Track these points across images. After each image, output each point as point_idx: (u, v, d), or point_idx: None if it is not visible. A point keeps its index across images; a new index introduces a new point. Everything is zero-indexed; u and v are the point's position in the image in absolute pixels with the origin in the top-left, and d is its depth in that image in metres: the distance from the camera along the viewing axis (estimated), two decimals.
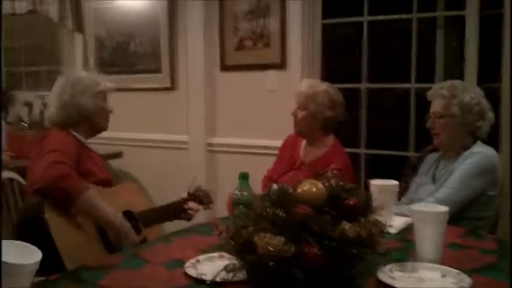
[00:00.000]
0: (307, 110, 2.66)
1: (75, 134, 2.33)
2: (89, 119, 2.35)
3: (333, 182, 1.44)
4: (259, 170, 2.78)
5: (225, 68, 3.83)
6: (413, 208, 1.62)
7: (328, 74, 3.64)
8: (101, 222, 2.08)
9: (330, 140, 2.76)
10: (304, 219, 1.30)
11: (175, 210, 2.49)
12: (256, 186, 1.72)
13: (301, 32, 3.53)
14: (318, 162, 2.63)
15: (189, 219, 2.53)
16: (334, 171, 1.50)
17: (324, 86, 2.72)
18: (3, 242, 1.18)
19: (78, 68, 4.46)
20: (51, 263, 1.76)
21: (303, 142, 2.80)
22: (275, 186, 1.44)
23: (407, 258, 1.60)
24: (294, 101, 2.77)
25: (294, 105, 2.75)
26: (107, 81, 2.43)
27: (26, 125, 4.59)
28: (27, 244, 1.22)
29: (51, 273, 1.60)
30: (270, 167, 2.88)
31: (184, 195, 2.56)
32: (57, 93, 2.34)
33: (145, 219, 2.24)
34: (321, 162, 2.62)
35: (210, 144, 3.92)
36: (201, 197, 2.62)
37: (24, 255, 1.17)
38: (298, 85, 2.79)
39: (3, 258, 1.12)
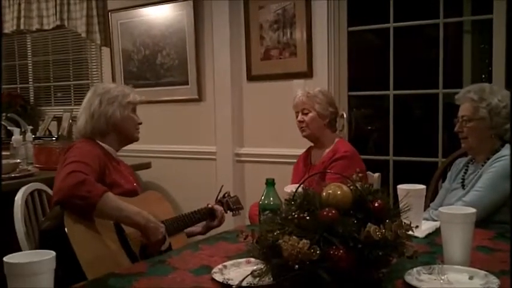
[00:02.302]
0: (313, 112, 2.77)
1: (103, 145, 2.34)
2: (118, 128, 2.36)
3: (358, 185, 1.44)
4: (286, 178, 2.78)
5: (251, 78, 3.86)
6: (441, 210, 1.60)
7: (355, 81, 3.63)
8: (124, 222, 2.07)
9: (336, 137, 2.86)
10: (329, 222, 1.29)
11: (201, 218, 2.50)
12: (282, 195, 1.72)
13: (327, 40, 3.54)
14: (324, 159, 2.74)
15: (217, 225, 2.54)
16: (357, 170, 1.49)
17: (316, 88, 2.85)
18: (20, 253, 1.22)
19: (106, 81, 4.54)
20: (73, 276, 1.78)
21: (313, 151, 2.89)
22: (300, 189, 1.44)
23: (434, 261, 1.57)
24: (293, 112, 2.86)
25: (296, 115, 2.85)
26: (136, 93, 2.44)
27: (54, 138, 4.68)
28: (42, 250, 1.24)
29: (74, 282, 1.61)
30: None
31: (211, 204, 2.57)
32: (86, 105, 2.37)
33: (170, 228, 2.24)
34: (327, 157, 2.74)
35: (237, 155, 3.94)
36: (230, 203, 2.63)
37: (40, 259, 1.19)
38: (293, 98, 2.87)
39: (17, 260, 1.14)
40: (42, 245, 1.97)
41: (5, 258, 1.16)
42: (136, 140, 2.47)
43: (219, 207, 2.56)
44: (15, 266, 1.14)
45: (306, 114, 2.78)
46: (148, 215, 2.09)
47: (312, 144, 2.91)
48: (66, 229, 1.89)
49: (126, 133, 2.40)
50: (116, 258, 2.01)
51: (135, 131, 2.44)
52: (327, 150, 2.78)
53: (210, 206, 2.54)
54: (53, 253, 1.20)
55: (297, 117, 2.83)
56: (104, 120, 2.33)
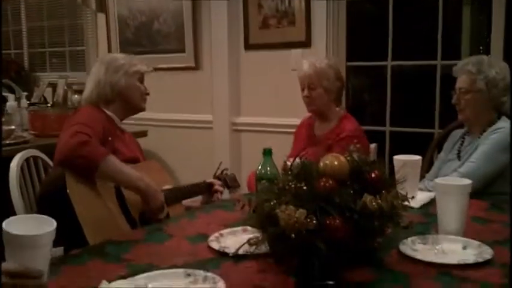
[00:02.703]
0: (320, 88, 2.71)
1: (107, 112, 2.33)
2: (123, 97, 2.35)
3: (355, 155, 1.44)
4: (284, 148, 2.77)
5: (249, 46, 3.83)
6: (436, 181, 1.61)
7: (353, 52, 3.61)
8: (125, 185, 2.08)
9: (340, 111, 2.82)
10: (326, 192, 1.30)
11: (199, 191, 2.51)
12: (281, 164, 1.72)
13: (326, 9, 3.50)
14: (329, 134, 2.71)
15: (218, 200, 2.55)
16: (346, 140, 1.49)
17: (323, 60, 2.77)
18: (18, 217, 1.21)
19: (104, 47, 4.49)
20: (73, 237, 1.79)
21: (317, 122, 2.85)
22: (297, 160, 1.45)
23: (429, 231, 1.60)
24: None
25: (301, 89, 2.77)
26: (144, 64, 2.43)
27: (50, 105, 4.65)
28: (42, 216, 1.23)
29: (74, 247, 1.63)
30: (289, 152, 2.88)
31: (209, 180, 2.57)
32: (92, 72, 2.37)
33: (168, 198, 2.26)
34: (332, 133, 2.71)
35: (234, 124, 3.93)
36: (227, 180, 2.64)
37: (40, 226, 1.17)
38: (299, 68, 2.80)
39: (17, 231, 1.13)
40: (41, 210, 1.98)
41: (4, 225, 1.15)
42: (142, 110, 2.45)
43: (217, 182, 2.56)
44: (15, 237, 1.13)
45: (313, 89, 2.71)
46: (150, 181, 2.10)
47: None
48: (68, 190, 1.90)
49: (131, 102, 2.38)
50: (116, 222, 2.02)
51: (141, 100, 2.42)
52: (332, 125, 2.75)
53: (208, 181, 2.55)
54: (53, 223, 1.19)
55: (302, 89, 2.75)
56: (109, 88, 2.32)
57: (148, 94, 2.45)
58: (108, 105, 2.35)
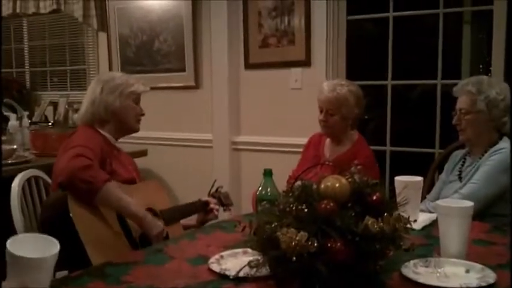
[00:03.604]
0: (338, 115, 2.65)
1: (103, 133, 2.34)
2: (117, 117, 2.35)
3: (356, 177, 1.44)
4: (283, 168, 2.77)
5: (249, 66, 3.84)
6: (438, 203, 1.61)
7: (353, 71, 3.62)
8: (124, 213, 2.08)
9: (354, 135, 2.75)
10: (327, 215, 1.30)
11: (196, 209, 2.51)
12: (281, 184, 1.72)
13: (325, 29, 3.52)
14: (342, 158, 2.62)
15: (214, 218, 2.54)
16: (358, 167, 1.49)
17: (345, 85, 2.68)
18: (21, 236, 1.20)
19: (106, 66, 4.51)
20: (76, 258, 1.79)
21: (327, 140, 2.80)
22: (298, 182, 1.44)
23: (431, 254, 1.58)
24: (317, 105, 2.72)
25: (319, 110, 2.70)
26: (140, 83, 2.42)
27: (51, 124, 4.65)
28: (45, 236, 1.22)
29: (77, 268, 1.62)
30: (294, 167, 2.87)
31: (205, 198, 2.57)
32: (89, 91, 2.37)
33: (166, 217, 2.25)
34: (345, 158, 2.62)
35: (234, 143, 3.93)
36: (222, 198, 2.63)
37: (43, 247, 1.17)
38: (320, 90, 2.73)
39: (20, 253, 1.12)
40: (44, 232, 1.97)
41: (8, 245, 1.13)
42: (136, 131, 2.45)
43: (212, 200, 2.56)
44: (20, 259, 1.11)
45: (331, 115, 2.64)
46: (146, 213, 2.11)
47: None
48: (70, 212, 1.91)
49: (125, 123, 2.38)
50: (118, 243, 2.03)
51: (136, 121, 2.42)
52: (345, 148, 2.70)
53: (203, 199, 2.55)
54: (57, 244, 1.18)
55: (320, 111, 2.69)
56: (103, 108, 2.32)
57: (143, 115, 2.45)
58: (103, 126, 2.35)
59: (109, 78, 2.39)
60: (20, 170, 2.44)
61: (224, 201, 2.63)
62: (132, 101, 2.38)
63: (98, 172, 2.01)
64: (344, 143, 2.72)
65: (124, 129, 2.41)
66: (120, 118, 2.36)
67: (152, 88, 4.04)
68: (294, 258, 1.24)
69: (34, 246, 1.16)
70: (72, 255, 1.80)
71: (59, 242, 1.19)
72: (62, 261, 1.67)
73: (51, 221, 1.98)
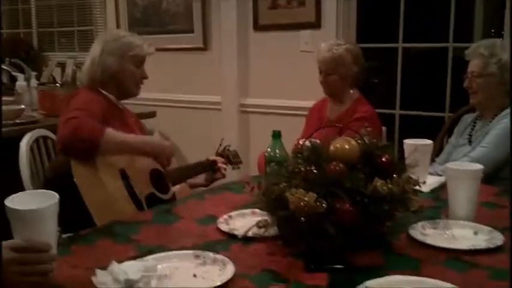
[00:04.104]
0: (337, 74, 2.71)
1: (105, 93, 2.29)
2: (114, 80, 2.28)
3: (366, 139, 1.43)
4: (292, 130, 2.76)
5: (258, 27, 3.79)
6: (447, 166, 1.60)
7: (364, 33, 3.57)
8: (131, 150, 2.07)
9: (355, 94, 2.80)
10: (337, 176, 1.30)
11: (203, 169, 2.51)
12: (289, 147, 1.72)
13: None
14: (343, 116, 2.70)
15: (222, 177, 2.55)
16: (365, 124, 1.48)
17: (342, 45, 2.73)
18: (19, 194, 1.21)
19: (114, 26, 4.46)
20: (82, 222, 1.80)
21: (329, 103, 2.84)
22: (307, 143, 1.44)
23: (439, 216, 1.58)
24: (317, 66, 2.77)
25: (318, 70, 2.77)
26: (146, 45, 2.34)
27: (59, 84, 4.65)
28: (44, 191, 1.23)
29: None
30: (300, 134, 2.87)
31: (213, 157, 2.57)
32: (91, 50, 2.32)
33: (173, 177, 2.25)
34: (345, 115, 2.71)
35: (243, 105, 3.92)
36: (230, 157, 2.63)
37: (43, 201, 1.18)
38: (318, 50, 2.79)
39: (20, 207, 1.14)
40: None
41: (6, 201, 1.15)
42: (134, 95, 2.38)
43: (219, 159, 2.56)
44: (17, 212, 1.14)
45: (329, 74, 2.72)
46: (153, 140, 2.12)
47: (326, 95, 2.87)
48: (73, 175, 1.89)
49: (123, 87, 2.31)
50: (123, 205, 2.02)
51: (135, 85, 2.35)
52: (346, 107, 2.75)
53: (211, 158, 2.54)
54: (56, 197, 1.20)
55: (320, 72, 2.76)
56: (100, 70, 2.26)
57: (145, 78, 2.38)
58: (104, 87, 2.29)
59: (111, 38, 2.31)
60: (28, 130, 2.44)
61: (233, 159, 2.64)
62: (133, 64, 2.30)
63: (92, 126, 1.96)
64: (345, 103, 2.77)
65: (123, 93, 2.34)
66: (118, 82, 2.29)
67: (160, 50, 4.03)
68: (303, 218, 1.24)
69: (34, 202, 1.18)
70: (78, 219, 1.82)
71: (64, 206, 1.20)
72: (68, 224, 1.69)
73: (56, 185, 1.97)
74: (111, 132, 2.00)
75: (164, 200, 2.12)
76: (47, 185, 2.07)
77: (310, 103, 3.03)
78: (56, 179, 2.00)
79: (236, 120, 3.92)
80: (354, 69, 2.73)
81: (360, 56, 2.77)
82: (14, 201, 1.16)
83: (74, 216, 1.78)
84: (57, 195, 1.20)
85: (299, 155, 1.42)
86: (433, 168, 2.34)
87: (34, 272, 1.13)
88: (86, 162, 1.96)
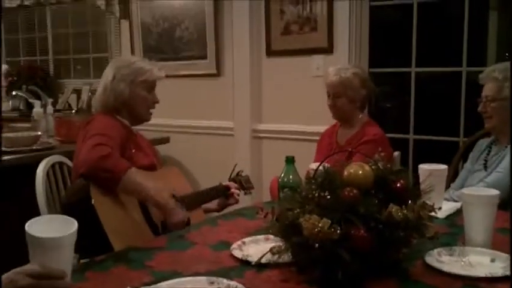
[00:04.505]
0: (345, 97, 2.73)
1: (120, 118, 2.32)
2: (126, 106, 2.31)
3: (380, 164, 1.43)
4: (305, 156, 2.74)
5: (270, 53, 3.82)
6: (463, 191, 1.59)
7: (376, 58, 3.58)
8: (145, 200, 2.08)
9: (364, 118, 2.83)
10: (351, 202, 1.29)
11: (217, 195, 2.51)
12: (302, 172, 1.71)
13: (348, 15, 3.48)
14: (352, 140, 2.72)
15: (235, 203, 2.54)
16: (382, 153, 1.48)
17: (349, 69, 2.76)
18: (39, 218, 1.21)
19: (125, 54, 4.53)
20: (99, 245, 1.81)
21: (340, 129, 2.86)
22: (319, 167, 1.43)
23: (456, 242, 1.57)
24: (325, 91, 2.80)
25: (327, 94, 2.80)
26: (156, 69, 2.37)
27: (74, 111, 4.71)
28: (64, 216, 1.23)
29: (100, 255, 1.64)
30: (312, 160, 2.87)
31: (226, 183, 2.57)
32: (103, 76, 2.34)
33: (188, 203, 2.26)
34: (354, 138, 2.72)
35: (255, 130, 3.93)
36: (242, 182, 2.63)
37: (62, 227, 1.18)
38: (325, 75, 2.83)
39: (39, 233, 1.14)
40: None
41: (26, 226, 1.15)
42: (146, 120, 2.40)
43: (233, 184, 2.56)
44: (37, 239, 1.14)
45: (337, 97, 2.74)
46: (168, 198, 2.09)
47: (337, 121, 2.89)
48: (92, 200, 1.92)
49: (135, 112, 2.34)
50: (140, 230, 2.05)
51: (146, 111, 2.37)
52: (355, 131, 2.76)
53: (224, 184, 2.54)
54: (75, 224, 1.20)
55: (328, 96, 2.79)
56: (112, 97, 2.29)
57: (157, 102, 2.40)
58: (118, 113, 2.32)
59: (122, 65, 2.33)
60: (45, 156, 2.46)
61: (245, 185, 2.64)
62: (144, 89, 2.33)
63: (119, 160, 2.01)
64: (354, 126, 2.79)
65: (135, 118, 2.37)
66: (130, 107, 2.32)
67: (174, 76, 4.12)
68: (317, 245, 1.24)
69: (53, 227, 1.18)
70: (94, 243, 1.83)
71: (82, 230, 1.20)
72: (85, 249, 1.70)
73: (74, 209, 1.99)
74: (133, 173, 2.02)
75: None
76: (66, 208, 2.09)
77: (322, 128, 3.04)
78: (75, 203, 2.01)
79: (248, 145, 3.93)
80: (362, 93, 2.74)
81: (368, 80, 2.79)
82: (33, 226, 1.16)
83: (91, 240, 1.80)
84: (76, 223, 1.20)
85: (313, 181, 1.42)
86: (449, 193, 2.32)
87: None
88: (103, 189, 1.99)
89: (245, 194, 2.69)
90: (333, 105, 2.77)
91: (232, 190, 2.53)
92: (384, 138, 2.73)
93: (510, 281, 1.12)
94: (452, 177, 2.57)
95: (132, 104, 2.31)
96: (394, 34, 4.18)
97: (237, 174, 2.65)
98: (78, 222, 1.21)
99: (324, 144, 2.89)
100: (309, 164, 2.71)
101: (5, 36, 5.85)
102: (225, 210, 2.51)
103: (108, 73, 2.33)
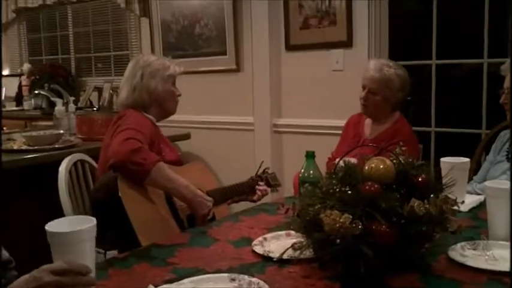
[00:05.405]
0: (380, 95, 2.62)
1: (147, 115, 2.37)
2: (159, 102, 2.38)
3: (401, 158, 1.41)
4: (325, 150, 2.75)
5: (290, 47, 3.81)
6: (486, 184, 1.57)
7: (396, 50, 3.55)
8: (173, 193, 2.12)
9: (395, 115, 2.71)
10: (372, 197, 1.28)
11: (243, 191, 2.51)
12: (323, 167, 1.71)
13: (367, 8, 3.45)
14: (382, 137, 2.62)
15: (256, 200, 2.54)
16: (400, 144, 1.46)
17: (393, 67, 2.64)
18: (60, 219, 1.24)
19: (148, 52, 4.56)
20: (126, 237, 1.84)
21: (367, 120, 2.76)
22: (341, 163, 1.43)
23: (479, 236, 1.55)
24: (360, 82, 2.69)
25: (362, 87, 2.67)
26: (176, 65, 2.44)
27: (96, 109, 4.75)
28: (83, 216, 1.26)
29: (126, 247, 1.66)
30: (334, 149, 2.85)
31: (253, 176, 2.57)
32: (128, 77, 2.39)
33: (213, 198, 2.27)
34: (385, 136, 2.61)
35: (275, 125, 3.93)
36: (269, 179, 2.63)
37: (81, 225, 1.21)
38: (366, 67, 2.71)
39: (57, 230, 1.17)
40: (94, 215, 2.03)
41: (47, 226, 1.19)
42: (173, 113, 2.48)
43: (260, 182, 2.55)
44: (55, 235, 1.17)
45: (372, 93, 2.61)
46: (196, 190, 2.13)
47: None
48: (120, 193, 1.95)
49: (166, 106, 2.41)
50: (166, 224, 2.08)
51: (175, 104, 2.45)
52: (385, 127, 2.67)
53: (251, 179, 2.54)
54: (93, 221, 1.22)
55: (363, 88, 2.66)
56: (146, 94, 2.34)
57: (180, 95, 2.47)
58: (146, 110, 2.37)
59: (147, 63, 2.40)
60: (67, 154, 2.49)
61: (272, 182, 2.64)
62: (172, 84, 2.41)
63: (149, 154, 2.04)
64: (384, 122, 2.69)
65: (164, 113, 2.44)
66: (162, 102, 2.39)
67: (194, 72, 4.14)
68: (338, 240, 1.23)
69: (73, 226, 1.21)
70: (122, 235, 1.86)
71: (110, 222, 1.22)
72: (112, 240, 1.73)
73: (102, 201, 2.03)
74: (162, 166, 2.06)
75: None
76: (95, 202, 2.12)
77: (342, 122, 3.01)
78: (103, 196, 2.05)
79: (269, 140, 3.92)
80: (399, 95, 2.63)
81: (408, 84, 2.66)
82: (53, 226, 1.20)
83: (119, 233, 1.85)
84: (94, 219, 1.22)
85: (333, 176, 1.41)
86: (471, 186, 2.29)
87: None
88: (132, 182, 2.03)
89: (272, 191, 2.69)
90: (366, 99, 2.64)
91: (259, 187, 2.52)
92: (415, 139, 2.66)
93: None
94: (474, 170, 2.54)
95: (164, 99, 2.39)
96: (414, 26, 4.15)
97: (263, 171, 2.64)
98: (107, 214, 1.23)
99: (350, 135, 2.79)
100: (326, 160, 2.71)
101: (27, 35, 5.93)
102: (246, 206, 2.51)
103: (135, 72, 2.38)
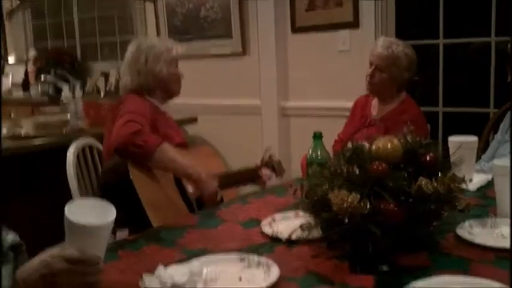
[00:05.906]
0: (387, 73, 2.60)
1: (150, 99, 2.36)
2: (164, 85, 2.37)
3: (409, 137, 1.41)
4: (332, 132, 2.75)
5: (296, 29, 3.79)
6: (494, 163, 1.57)
7: (403, 30, 3.52)
8: (178, 174, 2.13)
9: (402, 95, 2.70)
10: (380, 176, 1.28)
11: (251, 176, 2.51)
12: (329, 148, 1.70)
13: None
14: (389, 117, 2.61)
15: (263, 185, 2.54)
16: (408, 123, 1.46)
17: (401, 46, 2.63)
18: (79, 201, 1.22)
19: (152, 36, 4.54)
20: (136, 217, 1.85)
21: (374, 101, 2.75)
22: (349, 144, 1.43)
23: (487, 214, 1.55)
24: (368, 60, 2.67)
25: (369, 65, 2.65)
26: (178, 46, 2.44)
27: (102, 94, 4.75)
28: (102, 201, 1.25)
29: (137, 226, 1.68)
30: (341, 130, 2.84)
31: (258, 162, 2.57)
32: (131, 61, 2.37)
33: (221, 182, 2.27)
34: (392, 116, 2.60)
35: (282, 108, 3.92)
36: (275, 166, 2.63)
37: (100, 212, 1.20)
38: (374, 44, 2.71)
39: (78, 219, 1.15)
40: (104, 197, 2.05)
41: (66, 211, 1.15)
42: (178, 94, 2.48)
43: (265, 169, 2.55)
44: (77, 225, 1.14)
45: (379, 70, 2.59)
46: (201, 170, 2.13)
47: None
48: (130, 176, 1.97)
49: (171, 89, 2.41)
50: (176, 205, 2.09)
51: (179, 86, 2.45)
52: (392, 107, 2.65)
53: (257, 165, 2.54)
54: (113, 211, 1.21)
55: (370, 65, 2.64)
56: (151, 78, 2.34)
57: (183, 76, 2.46)
58: (150, 93, 2.37)
59: (149, 46, 2.39)
60: (74, 139, 2.50)
61: (276, 168, 2.63)
62: (174, 65, 2.41)
63: (150, 136, 2.04)
64: (390, 102, 2.68)
65: (169, 95, 2.44)
66: (167, 85, 2.38)
67: (200, 56, 4.12)
68: (346, 220, 1.23)
69: (91, 212, 1.19)
70: (132, 216, 1.88)
71: (119, 203, 1.22)
72: (123, 220, 1.74)
73: (111, 184, 2.04)
74: (166, 147, 2.06)
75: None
76: (104, 185, 2.14)
77: (349, 103, 2.99)
78: (113, 179, 2.07)
79: (276, 123, 3.92)
80: (405, 75, 2.62)
81: (414, 64, 2.65)
82: (72, 211, 1.16)
83: (129, 212, 1.85)
84: (114, 209, 1.21)
85: (341, 156, 1.41)
86: (480, 165, 2.29)
87: (82, 284, 1.15)
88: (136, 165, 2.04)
89: (276, 177, 2.69)
90: (372, 76, 2.61)
91: (264, 173, 2.51)
92: (423, 119, 2.65)
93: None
94: (483, 148, 2.53)
95: (169, 82, 2.39)
96: (420, 5, 4.11)
97: (269, 157, 2.64)
98: (116, 196, 1.22)
99: (357, 115, 2.78)
100: (333, 142, 2.70)
101: (32, 22, 5.92)
102: (256, 188, 2.51)
103: (138, 56, 2.36)
